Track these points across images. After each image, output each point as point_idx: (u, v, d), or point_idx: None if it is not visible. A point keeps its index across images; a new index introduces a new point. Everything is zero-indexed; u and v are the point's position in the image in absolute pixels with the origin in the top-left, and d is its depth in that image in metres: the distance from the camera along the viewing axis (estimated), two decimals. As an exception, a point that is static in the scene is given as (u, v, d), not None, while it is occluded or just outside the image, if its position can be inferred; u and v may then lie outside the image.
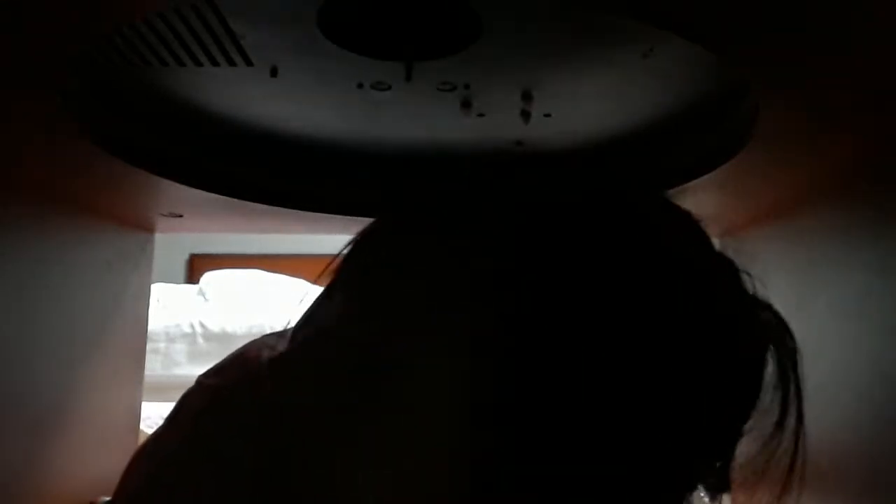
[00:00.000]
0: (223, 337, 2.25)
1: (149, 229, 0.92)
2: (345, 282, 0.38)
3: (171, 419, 0.41)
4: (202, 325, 2.31)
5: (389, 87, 0.52)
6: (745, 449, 0.37)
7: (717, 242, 1.00)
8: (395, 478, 0.33)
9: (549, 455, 0.31)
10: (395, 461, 0.33)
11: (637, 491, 0.33)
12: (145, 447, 0.41)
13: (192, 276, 3.89)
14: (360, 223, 0.39)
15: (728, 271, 0.36)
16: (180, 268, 4.09)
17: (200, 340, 2.28)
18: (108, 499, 0.40)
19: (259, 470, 0.36)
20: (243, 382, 0.40)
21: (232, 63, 0.48)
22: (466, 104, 0.55)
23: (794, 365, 0.36)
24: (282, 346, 0.40)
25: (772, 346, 0.36)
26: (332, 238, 0.48)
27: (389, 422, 0.33)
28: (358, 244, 0.38)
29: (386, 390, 0.33)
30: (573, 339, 0.31)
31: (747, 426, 0.35)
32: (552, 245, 0.33)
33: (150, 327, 0.96)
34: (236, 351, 0.43)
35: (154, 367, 1.87)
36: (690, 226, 0.38)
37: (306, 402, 0.35)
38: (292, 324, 0.40)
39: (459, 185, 0.41)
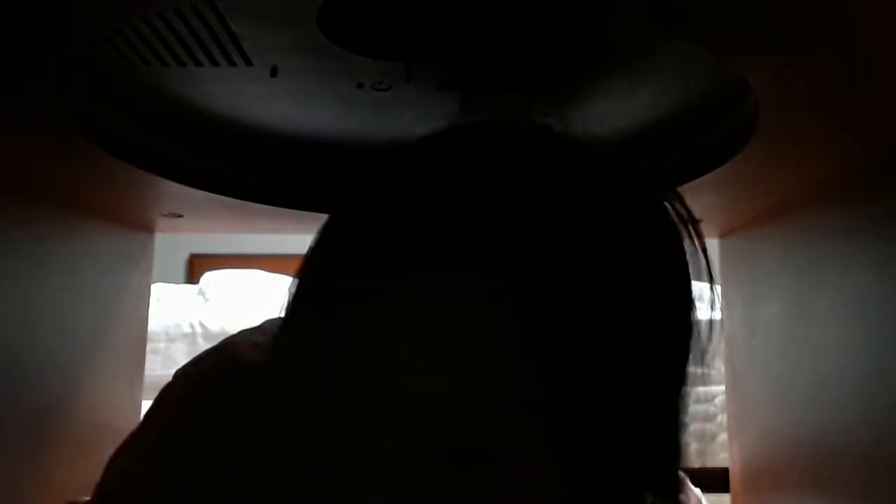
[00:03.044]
0: (223, 337, 2.24)
1: (149, 229, 0.92)
2: (315, 277, 0.37)
3: (149, 415, 0.41)
4: (202, 325, 2.31)
5: (389, 87, 0.52)
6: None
7: (717, 242, 1.00)
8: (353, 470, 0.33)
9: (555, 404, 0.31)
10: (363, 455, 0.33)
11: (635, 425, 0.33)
12: (124, 443, 0.41)
13: (192, 276, 3.89)
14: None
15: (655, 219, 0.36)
16: (180, 268, 4.09)
17: (200, 340, 2.28)
18: (87, 498, 0.39)
19: (231, 463, 0.35)
20: (218, 377, 0.40)
21: (232, 63, 0.48)
22: (466, 104, 0.55)
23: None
24: (261, 342, 0.40)
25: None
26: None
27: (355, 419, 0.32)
28: (322, 239, 0.38)
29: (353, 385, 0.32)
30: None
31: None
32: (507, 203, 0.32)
33: (150, 327, 0.96)
34: (215, 345, 0.43)
35: (154, 367, 1.87)
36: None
37: (274, 404, 0.35)
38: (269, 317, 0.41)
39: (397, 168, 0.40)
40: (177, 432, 0.39)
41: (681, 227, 0.36)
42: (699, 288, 0.37)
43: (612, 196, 0.34)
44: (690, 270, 0.35)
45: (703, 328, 0.35)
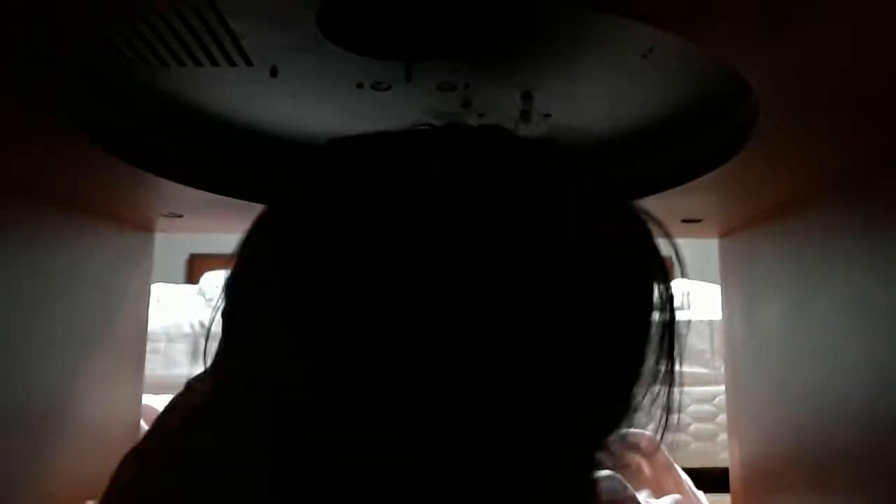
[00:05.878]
0: (223, 337, 2.23)
1: (149, 229, 0.92)
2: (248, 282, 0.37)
3: (159, 422, 0.41)
4: (202, 326, 2.31)
5: (389, 87, 0.52)
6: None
7: (717, 242, 0.99)
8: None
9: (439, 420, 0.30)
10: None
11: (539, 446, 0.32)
12: (133, 449, 0.41)
13: (192, 276, 3.89)
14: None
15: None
16: (180, 268, 4.09)
17: (200, 340, 2.28)
18: (93, 502, 0.39)
19: (237, 475, 0.35)
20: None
21: (232, 63, 0.48)
22: (466, 104, 0.55)
23: (672, 319, 0.34)
24: None
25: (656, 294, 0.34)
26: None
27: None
28: (253, 235, 0.37)
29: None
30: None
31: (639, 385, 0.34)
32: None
33: (150, 327, 0.96)
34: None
35: (154, 367, 1.87)
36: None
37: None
38: None
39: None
40: (185, 441, 0.39)
41: (652, 228, 0.35)
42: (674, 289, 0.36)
43: (538, 196, 0.33)
44: (655, 272, 0.34)
45: (663, 331, 0.34)
